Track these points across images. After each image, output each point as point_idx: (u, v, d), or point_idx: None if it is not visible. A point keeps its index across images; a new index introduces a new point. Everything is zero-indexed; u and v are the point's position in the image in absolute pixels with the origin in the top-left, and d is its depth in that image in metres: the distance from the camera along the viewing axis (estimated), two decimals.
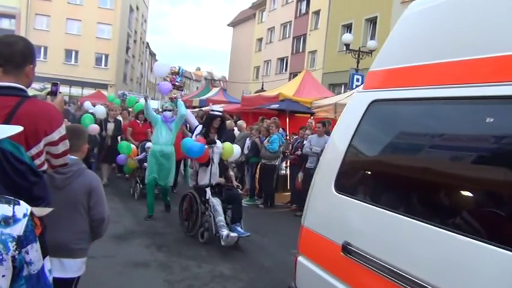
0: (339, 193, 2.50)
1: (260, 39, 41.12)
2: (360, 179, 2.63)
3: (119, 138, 10.68)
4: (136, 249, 5.86)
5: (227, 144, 6.82)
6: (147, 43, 61.49)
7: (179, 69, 33.59)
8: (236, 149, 7.00)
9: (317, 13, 31.35)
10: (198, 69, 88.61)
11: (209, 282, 4.87)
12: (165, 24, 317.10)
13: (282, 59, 36.68)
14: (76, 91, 36.34)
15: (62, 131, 2.24)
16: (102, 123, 10.46)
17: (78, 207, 2.73)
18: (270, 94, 14.07)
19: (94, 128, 9.84)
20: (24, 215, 1.35)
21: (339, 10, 27.69)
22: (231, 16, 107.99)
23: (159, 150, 7.36)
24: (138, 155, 9.37)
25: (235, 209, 6.42)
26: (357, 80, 16.68)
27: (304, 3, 33.93)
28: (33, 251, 1.35)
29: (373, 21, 24.86)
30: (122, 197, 9.06)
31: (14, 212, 1.33)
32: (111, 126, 10.59)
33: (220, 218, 6.02)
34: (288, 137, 10.80)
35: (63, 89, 30.44)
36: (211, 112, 6.97)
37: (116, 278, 4.77)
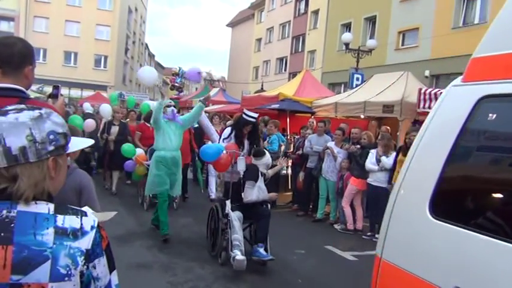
0: (438, 219, 1.93)
1: (259, 40, 41.09)
2: (475, 201, 1.99)
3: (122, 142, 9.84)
4: (138, 251, 5.84)
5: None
6: (146, 44, 61.44)
7: (179, 70, 33.65)
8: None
9: (316, 12, 31.34)
10: None
11: (212, 284, 4.84)
12: (164, 25, 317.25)
13: (281, 59, 36.65)
14: (75, 93, 36.28)
15: None
16: (106, 125, 9.78)
17: None
18: (270, 94, 14.03)
19: (90, 124, 9.15)
20: (92, 228, 1.27)
21: (338, 9, 27.67)
22: (229, 16, 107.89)
23: (171, 157, 6.36)
24: (147, 161, 8.43)
25: (260, 227, 5.57)
26: (357, 79, 16.67)
27: (303, 3, 33.92)
28: (101, 266, 1.29)
29: (372, 20, 24.84)
30: (129, 207, 8.40)
31: (81, 224, 1.25)
32: (115, 129, 9.73)
33: (236, 236, 5.26)
34: (289, 137, 10.77)
35: (63, 91, 30.29)
36: (244, 116, 6.21)
37: (119, 281, 4.73)
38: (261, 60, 39.88)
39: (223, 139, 6.21)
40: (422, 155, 2.18)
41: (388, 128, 9.06)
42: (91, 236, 1.26)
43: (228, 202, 5.52)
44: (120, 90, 29.47)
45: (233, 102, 21.10)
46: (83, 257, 1.22)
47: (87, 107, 12.76)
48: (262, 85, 28.13)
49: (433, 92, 7.79)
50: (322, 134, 8.77)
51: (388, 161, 7.19)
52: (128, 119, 10.93)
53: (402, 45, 22.52)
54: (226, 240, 5.40)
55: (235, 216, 5.42)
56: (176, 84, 35.05)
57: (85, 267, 1.23)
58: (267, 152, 5.84)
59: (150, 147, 8.35)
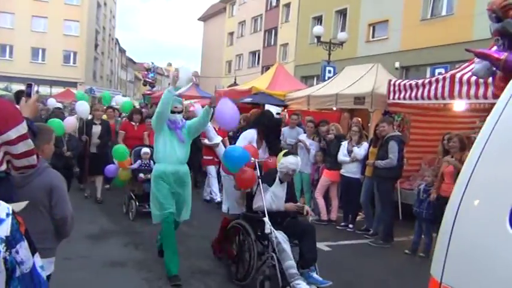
0: None
1: (231, 33, 40.94)
2: None
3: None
4: (113, 249, 5.78)
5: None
6: (117, 39, 60.39)
7: (151, 66, 33.06)
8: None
9: (287, 6, 31.41)
10: (170, 64, 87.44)
11: (188, 278, 4.84)
12: (135, 20, 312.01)
13: (253, 53, 36.64)
14: (44, 90, 35.44)
15: (21, 129, 2.15)
16: (84, 125, 8.42)
17: (39, 207, 2.68)
18: (243, 88, 14.04)
19: (71, 122, 7.97)
20: (7, 215, 1.29)
21: (309, 2, 27.82)
22: (201, 10, 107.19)
23: (173, 172, 4.86)
24: (131, 164, 7.59)
25: (306, 247, 4.46)
26: (329, 71, 16.83)
27: None
28: (23, 250, 1.31)
29: (343, 13, 25.08)
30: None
31: None
32: (97, 129, 8.43)
33: (291, 263, 4.26)
34: None
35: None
36: (274, 115, 5.46)
37: (93, 279, 4.69)
38: (233, 54, 39.76)
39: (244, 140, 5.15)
40: (496, 159, 1.80)
41: (360, 119, 9.18)
42: (8, 222, 1.28)
43: (267, 220, 4.36)
44: (90, 86, 28.96)
45: (206, 96, 20.98)
46: (3, 244, 1.25)
47: (52, 103, 12.20)
48: (235, 79, 28.07)
49: (402, 83, 7.93)
50: (294, 126, 8.84)
51: (359, 151, 7.30)
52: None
53: (372, 37, 22.82)
54: (270, 267, 4.36)
55: (283, 238, 4.35)
56: (148, 80, 34.71)
57: (7, 253, 1.26)
58: (291, 156, 4.76)
59: (135, 147, 7.81)
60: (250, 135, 5.20)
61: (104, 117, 9.19)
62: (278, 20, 32.43)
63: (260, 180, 4.71)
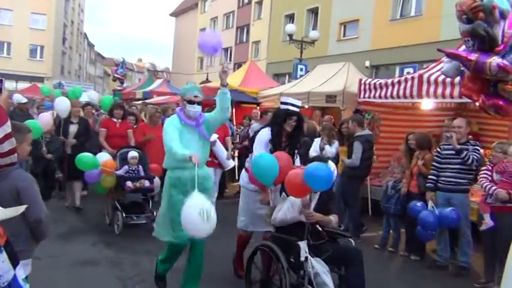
0: None
1: (203, 30, 40.66)
2: None
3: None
4: (83, 248, 5.70)
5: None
6: (85, 34, 59.14)
7: (121, 61, 32.54)
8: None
9: (260, 3, 31.46)
10: (140, 60, 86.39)
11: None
12: (104, 14, 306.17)
13: (226, 49, 36.50)
14: (10, 85, 34.40)
15: (6, 129, 2.18)
16: (61, 125, 7.56)
17: None
18: (216, 85, 13.97)
19: (47, 120, 6.91)
20: None
21: (281, 0, 27.94)
22: (173, 5, 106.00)
23: (191, 178, 3.72)
24: (117, 169, 6.57)
25: (354, 277, 3.69)
26: (301, 69, 16.98)
27: None
28: (0, 263, 1.23)
29: (314, 12, 25.32)
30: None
31: None
32: (74, 129, 7.58)
33: None
34: (235, 128, 10.83)
35: None
36: (283, 106, 4.42)
37: (64, 278, 4.63)
38: None
39: (263, 142, 4.33)
40: None
41: (331, 117, 9.32)
42: None
43: (303, 245, 3.57)
44: (58, 80, 28.26)
45: (178, 93, 20.85)
46: None
47: (19, 98, 11.66)
48: (207, 76, 27.97)
49: (372, 83, 8.08)
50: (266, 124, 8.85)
51: (331, 149, 7.41)
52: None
53: (343, 36, 23.12)
54: None
55: (323, 268, 3.51)
56: (117, 76, 34.17)
57: None
58: (330, 162, 4.01)
59: (120, 150, 6.88)
60: (264, 136, 4.39)
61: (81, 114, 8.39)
62: (250, 17, 32.44)
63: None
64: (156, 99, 19.46)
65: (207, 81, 22.95)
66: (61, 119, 7.71)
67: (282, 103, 4.42)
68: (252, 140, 4.55)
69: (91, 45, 65.01)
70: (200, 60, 40.75)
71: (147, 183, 6.43)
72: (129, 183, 6.34)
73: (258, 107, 11.71)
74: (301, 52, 18.09)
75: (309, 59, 18.40)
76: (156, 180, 6.47)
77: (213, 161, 6.94)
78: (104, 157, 6.57)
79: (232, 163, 6.58)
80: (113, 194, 6.66)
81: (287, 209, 3.79)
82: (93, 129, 8.26)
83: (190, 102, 4.04)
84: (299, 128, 4.43)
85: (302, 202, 3.68)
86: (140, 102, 18.18)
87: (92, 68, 66.01)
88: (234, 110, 12.13)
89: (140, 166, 6.70)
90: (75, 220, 6.96)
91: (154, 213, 6.15)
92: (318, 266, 3.49)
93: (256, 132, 4.52)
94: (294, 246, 3.63)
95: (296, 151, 4.45)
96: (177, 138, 3.93)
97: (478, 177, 5.15)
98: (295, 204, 3.76)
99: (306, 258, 3.50)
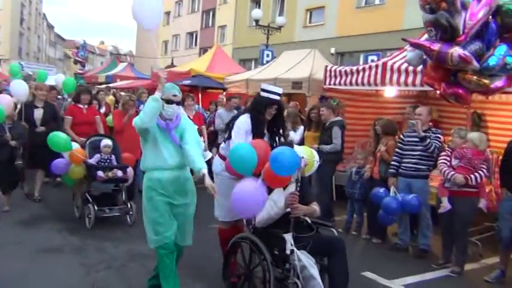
0: None
1: (168, 13, 39.85)
2: None
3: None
4: (47, 235, 5.58)
5: (306, 148, 4.33)
6: (44, 14, 57.01)
7: (82, 43, 31.71)
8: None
9: None
10: (102, 42, 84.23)
11: (128, 262, 4.81)
12: None
13: (191, 34, 36.04)
14: None
15: None
16: (23, 110, 6.89)
17: None
18: (181, 70, 13.86)
19: (7, 102, 6.24)
20: None
21: None
22: None
23: (173, 180, 3.80)
24: (87, 158, 6.18)
25: (337, 267, 3.60)
26: (267, 55, 17.00)
27: None
28: None
29: None
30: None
31: None
32: (39, 113, 6.97)
33: (318, 283, 3.39)
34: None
35: None
36: (263, 94, 4.19)
37: (27, 266, 4.53)
38: (170, 34, 38.86)
39: (238, 131, 4.11)
40: None
41: (297, 103, 9.40)
42: None
43: (289, 237, 3.45)
44: (18, 61, 27.23)
45: (142, 77, 20.52)
46: None
47: None
48: (172, 60, 27.57)
49: (338, 70, 8.19)
50: (231, 109, 8.87)
51: (295, 136, 7.50)
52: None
53: (309, 22, 23.24)
54: None
55: (309, 261, 3.43)
56: (78, 59, 33.23)
57: None
58: (296, 146, 3.95)
59: (90, 138, 6.46)
60: (244, 124, 4.15)
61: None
62: (216, 1, 32.05)
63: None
64: (119, 83, 19.10)
65: (172, 65, 22.63)
66: (22, 103, 6.93)
67: (263, 90, 4.21)
68: (229, 127, 4.31)
69: (50, 27, 62.76)
70: (165, 44, 40.05)
71: (119, 173, 6.09)
72: (100, 173, 5.97)
73: (224, 93, 11.67)
74: (268, 38, 18.07)
75: (275, 45, 18.42)
76: (130, 170, 6.19)
77: None
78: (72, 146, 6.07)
79: (209, 154, 6.20)
80: (83, 186, 6.31)
81: (270, 207, 3.64)
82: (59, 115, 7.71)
83: (169, 102, 3.72)
84: (279, 116, 4.29)
85: (286, 200, 3.58)
86: (103, 86, 17.76)
87: (52, 50, 63.84)
88: (200, 96, 12.09)
89: (113, 156, 6.33)
90: (38, 207, 6.79)
91: (129, 205, 6.10)
92: (304, 259, 3.39)
93: (234, 119, 4.30)
94: (277, 238, 3.51)
95: (277, 140, 4.28)
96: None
97: (438, 163, 5.34)
98: (278, 201, 3.64)
99: (292, 251, 3.40)
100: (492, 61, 4.95)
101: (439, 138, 5.61)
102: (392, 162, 5.81)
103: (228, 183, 4.14)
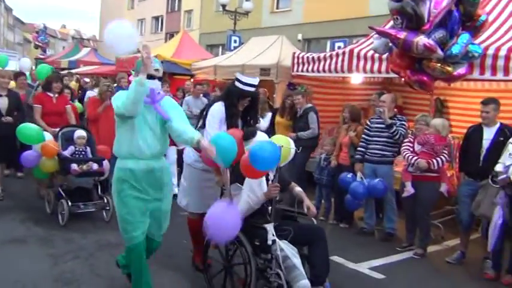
0: None
1: None
2: None
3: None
4: (10, 225, 5.43)
5: (282, 137, 4.13)
6: None
7: (42, 27, 30.67)
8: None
9: None
10: (64, 26, 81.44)
11: (96, 252, 4.75)
12: None
13: (156, 18, 35.35)
14: None
15: None
16: None
17: None
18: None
19: None
20: None
21: None
22: None
23: (147, 172, 3.51)
24: (61, 149, 5.80)
25: (318, 257, 3.57)
26: (235, 41, 16.88)
27: None
28: None
29: None
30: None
31: None
32: (3, 103, 6.42)
33: (305, 284, 3.31)
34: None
35: None
36: (238, 85, 4.04)
37: None
38: (135, 18, 37.89)
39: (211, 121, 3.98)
40: None
41: (266, 90, 9.42)
42: None
43: (270, 227, 3.44)
44: None
45: (107, 63, 20.04)
46: None
47: None
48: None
49: (305, 56, 8.23)
50: (199, 96, 8.79)
51: (264, 122, 7.51)
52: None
53: (277, 8, 23.19)
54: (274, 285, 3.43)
55: (292, 251, 3.41)
56: (39, 43, 32.05)
57: None
58: (259, 133, 3.87)
59: (62, 129, 6.06)
60: (219, 112, 4.01)
61: (12, 85, 7.38)
62: None
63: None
64: (83, 68, 18.62)
65: (138, 51, 22.19)
66: None
67: (238, 81, 4.05)
68: (202, 115, 4.20)
69: (8, 9, 60.23)
70: None
71: (95, 166, 5.72)
72: (74, 166, 5.58)
73: (191, 79, 11.55)
74: (235, 23, 17.96)
75: (243, 30, 18.32)
76: (106, 163, 5.82)
77: None
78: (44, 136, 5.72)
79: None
80: (56, 180, 5.96)
81: (248, 196, 3.55)
82: (25, 104, 7.16)
83: (150, 77, 3.34)
84: (253, 107, 4.16)
85: (269, 192, 3.50)
86: (66, 71, 17.27)
87: (10, 34, 61.37)
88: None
89: (88, 148, 5.97)
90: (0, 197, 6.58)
91: (105, 199, 5.77)
92: (286, 249, 3.37)
93: (208, 106, 4.18)
94: (258, 229, 3.47)
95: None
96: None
97: (401, 149, 5.48)
98: (254, 190, 3.54)
99: (274, 241, 3.37)
100: (455, 49, 5.11)
101: (404, 125, 5.75)
102: (359, 148, 5.93)
103: (199, 174, 4.12)
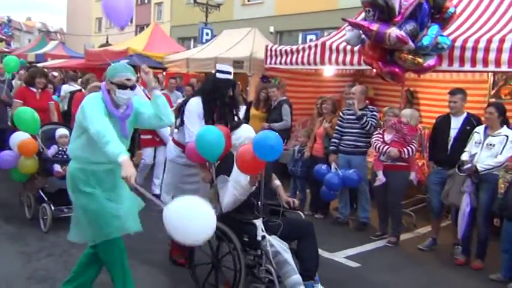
0: None
1: None
2: None
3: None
4: None
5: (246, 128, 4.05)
6: None
7: (6, 20, 29.67)
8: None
9: None
10: (29, 19, 79.03)
11: (70, 249, 4.64)
12: None
13: None
14: None
15: None
16: None
17: None
18: (118, 49, 13.35)
19: None
20: None
21: None
22: None
23: (110, 173, 3.30)
24: (40, 150, 5.32)
25: (307, 251, 3.56)
26: (207, 34, 16.77)
27: None
28: None
29: None
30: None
31: None
32: None
33: (296, 279, 3.28)
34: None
35: None
36: (221, 76, 4.02)
37: None
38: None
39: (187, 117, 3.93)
40: None
41: (239, 82, 9.41)
42: None
43: (259, 223, 3.40)
44: None
45: (75, 56, 19.59)
46: None
47: None
48: (107, 38, 26.45)
49: (278, 49, 8.26)
50: (172, 90, 8.72)
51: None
52: None
53: (248, 0, 23.12)
54: (265, 284, 3.43)
55: (282, 246, 3.38)
56: (3, 36, 31.05)
57: None
58: (244, 125, 3.95)
59: (45, 126, 5.60)
60: (197, 107, 3.96)
61: None
62: None
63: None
64: (51, 62, 18.16)
65: (107, 44, 21.75)
66: None
67: (221, 72, 3.98)
68: (179, 112, 4.12)
69: None
70: (98, 21, 38.33)
71: None
72: (57, 167, 5.11)
73: (164, 72, 11.42)
74: (207, 16, 17.83)
75: (215, 23, 18.20)
76: None
77: (154, 138, 6.46)
78: (20, 137, 5.19)
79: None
80: (35, 181, 5.40)
81: (234, 188, 3.50)
82: None
83: (121, 86, 3.15)
84: (233, 96, 4.11)
85: (251, 180, 3.44)
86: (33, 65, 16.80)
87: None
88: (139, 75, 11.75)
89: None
90: None
91: None
92: (276, 244, 3.33)
93: (184, 103, 4.13)
94: (246, 224, 3.44)
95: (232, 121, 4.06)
96: (111, 128, 3.02)
97: (371, 141, 5.58)
98: (241, 181, 3.48)
99: (263, 237, 3.33)
100: (426, 41, 5.22)
101: (375, 116, 5.85)
102: (333, 140, 6.00)
103: (181, 169, 4.12)
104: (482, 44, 5.38)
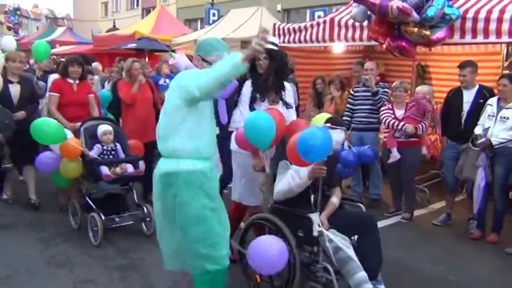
0: None
1: None
2: None
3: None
4: None
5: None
6: None
7: (13, 7, 29.79)
8: None
9: None
10: (36, 6, 79.04)
11: (86, 233, 4.68)
12: None
13: None
14: None
15: None
16: None
17: None
18: (125, 33, 13.36)
19: None
20: None
21: None
22: None
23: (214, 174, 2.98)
24: (89, 149, 4.58)
25: (370, 247, 3.20)
26: (213, 14, 16.62)
27: None
28: None
29: None
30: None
31: None
32: (15, 91, 5.31)
33: (362, 276, 2.98)
34: None
35: None
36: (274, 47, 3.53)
37: None
38: None
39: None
40: None
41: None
42: None
43: (315, 217, 3.05)
44: None
45: (84, 42, 19.60)
46: None
47: None
48: (114, 23, 26.37)
49: (286, 27, 8.15)
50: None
51: None
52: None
53: None
54: (324, 284, 3.11)
55: (342, 241, 3.05)
56: (10, 24, 31.12)
57: None
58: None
59: (85, 123, 4.79)
60: (246, 89, 3.61)
61: None
62: None
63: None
64: (60, 49, 18.17)
65: (114, 28, 21.70)
66: None
67: (275, 45, 3.59)
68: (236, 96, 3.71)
69: None
70: (104, 5, 38.19)
71: (130, 168, 4.54)
72: (105, 170, 4.38)
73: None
74: None
75: (221, 3, 18.01)
76: (142, 163, 4.66)
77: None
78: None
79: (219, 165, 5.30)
80: (80, 186, 4.82)
81: (291, 177, 3.16)
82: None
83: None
84: (278, 69, 3.59)
85: (312, 171, 3.04)
86: None
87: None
88: (147, 59, 11.75)
89: (118, 145, 4.74)
90: None
91: (144, 208, 4.65)
92: (336, 240, 3.00)
93: (240, 85, 3.66)
94: (301, 218, 3.11)
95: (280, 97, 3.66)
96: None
97: (381, 117, 5.51)
98: (300, 170, 3.12)
99: (320, 232, 3.00)
100: (431, 12, 5.11)
101: (387, 92, 5.78)
102: (344, 118, 5.95)
103: (248, 161, 3.58)
104: (495, 15, 5.24)
